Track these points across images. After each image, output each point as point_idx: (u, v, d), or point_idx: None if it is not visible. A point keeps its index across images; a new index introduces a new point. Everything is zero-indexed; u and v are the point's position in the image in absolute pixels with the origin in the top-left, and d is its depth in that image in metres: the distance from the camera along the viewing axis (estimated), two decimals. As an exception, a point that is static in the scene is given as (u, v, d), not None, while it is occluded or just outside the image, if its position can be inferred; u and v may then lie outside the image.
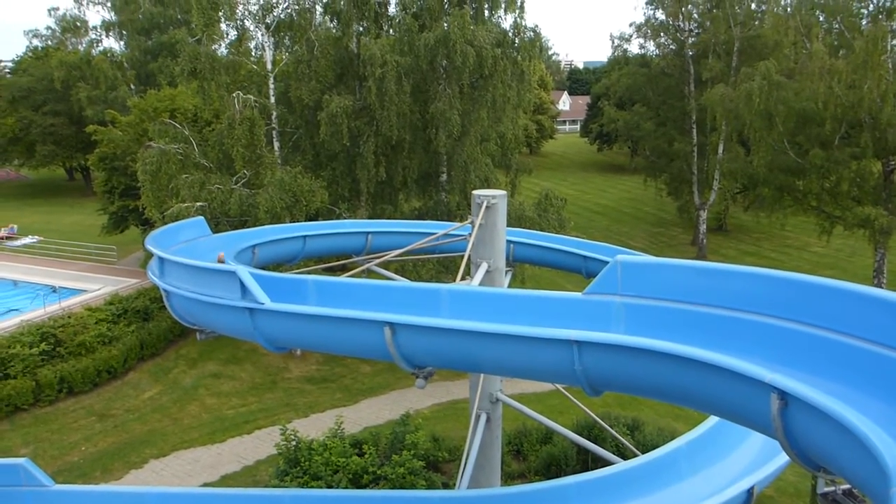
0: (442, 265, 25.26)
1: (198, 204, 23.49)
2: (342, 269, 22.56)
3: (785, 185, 34.72)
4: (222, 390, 23.82)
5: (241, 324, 8.60)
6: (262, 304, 8.24)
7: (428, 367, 7.69)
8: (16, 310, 27.63)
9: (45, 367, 22.05)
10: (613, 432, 13.35)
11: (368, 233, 16.03)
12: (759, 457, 10.05)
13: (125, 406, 22.36)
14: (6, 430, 20.43)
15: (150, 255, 10.77)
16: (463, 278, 11.14)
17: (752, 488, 8.91)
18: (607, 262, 7.58)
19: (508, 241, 14.24)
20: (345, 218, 25.17)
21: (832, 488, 6.12)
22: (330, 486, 15.35)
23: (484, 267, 12.49)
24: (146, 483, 17.99)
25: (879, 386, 4.98)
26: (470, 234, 12.34)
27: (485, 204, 11.35)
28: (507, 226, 12.81)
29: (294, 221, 22.49)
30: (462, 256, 11.84)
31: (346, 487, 15.43)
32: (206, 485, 17.83)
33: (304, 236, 14.79)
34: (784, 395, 4.83)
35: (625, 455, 11.41)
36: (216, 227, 18.62)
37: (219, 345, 26.28)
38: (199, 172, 25.04)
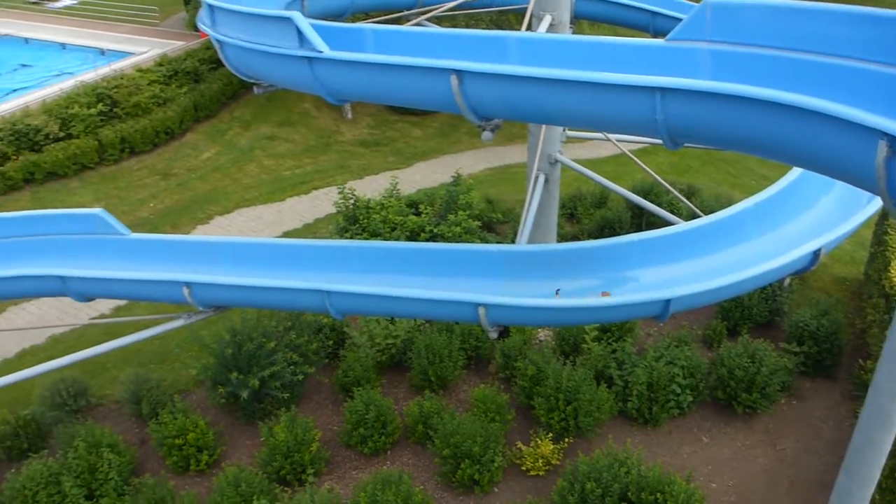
0: (496, 24, 23.98)
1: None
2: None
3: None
4: (278, 152, 24.08)
5: (301, 74, 8.29)
6: (322, 52, 7.86)
7: (496, 118, 7.38)
8: (69, 73, 27.45)
9: (104, 127, 22.33)
10: (676, 193, 13.16)
11: (422, -15, 15.18)
12: (826, 222, 9.85)
13: (186, 165, 22.89)
14: (77, 186, 21.25)
15: (197, 6, 10.26)
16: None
17: (818, 250, 8.80)
18: (680, 20, 6.89)
19: (572, -6, 13.31)
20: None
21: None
22: (388, 243, 15.87)
23: (547, 20, 11.71)
24: (214, 237, 18.87)
25: None
26: (533, -17, 11.45)
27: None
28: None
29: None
30: (523, 13, 11.11)
31: (405, 244, 15.94)
32: (269, 240, 18.63)
33: (355, -13, 14.10)
34: (894, 143, 4.43)
35: (683, 219, 11.32)
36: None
37: (271, 107, 26.13)
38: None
